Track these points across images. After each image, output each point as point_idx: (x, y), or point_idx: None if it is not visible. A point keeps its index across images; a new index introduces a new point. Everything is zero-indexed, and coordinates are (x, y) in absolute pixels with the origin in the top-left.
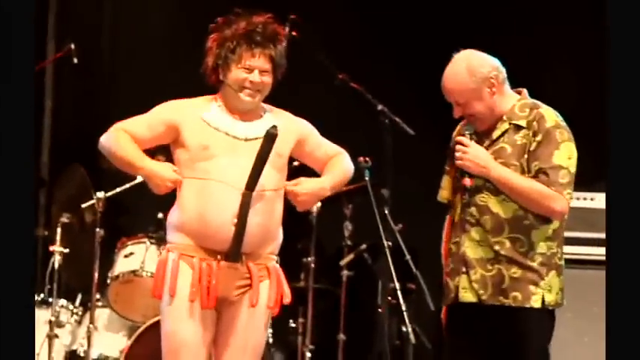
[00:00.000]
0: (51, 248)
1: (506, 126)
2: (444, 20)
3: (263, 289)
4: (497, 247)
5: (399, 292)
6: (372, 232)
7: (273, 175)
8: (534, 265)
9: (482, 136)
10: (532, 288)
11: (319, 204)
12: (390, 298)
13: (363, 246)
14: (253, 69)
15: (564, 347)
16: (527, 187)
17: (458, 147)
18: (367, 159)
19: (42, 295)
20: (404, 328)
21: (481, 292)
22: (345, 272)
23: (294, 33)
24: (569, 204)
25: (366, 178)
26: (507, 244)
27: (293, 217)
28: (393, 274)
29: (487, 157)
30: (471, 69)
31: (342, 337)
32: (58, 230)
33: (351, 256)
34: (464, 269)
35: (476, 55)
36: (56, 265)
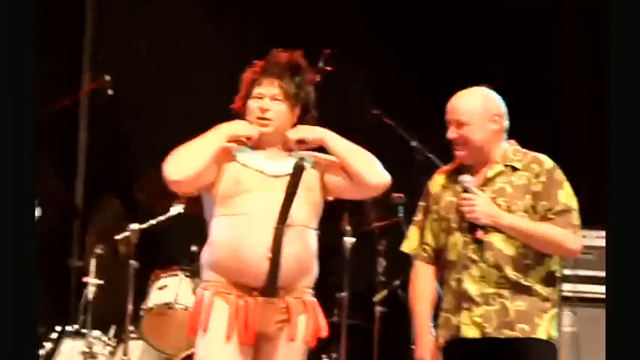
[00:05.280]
0: (85, 279)
1: (500, 167)
2: (481, 57)
3: (300, 323)
4: (500, 282)
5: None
6: (406, 268)
7: (303, 209)
8: (537, 299)
9: (473, 174)
10: (537, 320)
11: (353, 239)
12: None
13: (397, 282)
14: (263, 96)
15: None
16: (542, 232)
17: (464, 202)
18: (401, 195)
19: (76, 326)
20: None
21: (485, 326)
22: (378, 308)
23: (328, 68)
24: (581, 243)
25: (400, 215)
26: (510, 279)
27: (326, 251)
28: None
29: (494, 206)
30: (485, 97)
31: None
32: (92, 261)
33: (384, 293)
34: (465, 305)
35: (492, 92)
36: (90, 297)
